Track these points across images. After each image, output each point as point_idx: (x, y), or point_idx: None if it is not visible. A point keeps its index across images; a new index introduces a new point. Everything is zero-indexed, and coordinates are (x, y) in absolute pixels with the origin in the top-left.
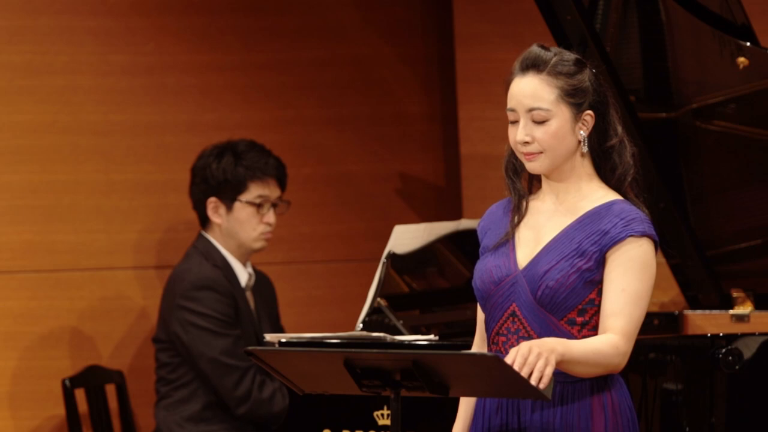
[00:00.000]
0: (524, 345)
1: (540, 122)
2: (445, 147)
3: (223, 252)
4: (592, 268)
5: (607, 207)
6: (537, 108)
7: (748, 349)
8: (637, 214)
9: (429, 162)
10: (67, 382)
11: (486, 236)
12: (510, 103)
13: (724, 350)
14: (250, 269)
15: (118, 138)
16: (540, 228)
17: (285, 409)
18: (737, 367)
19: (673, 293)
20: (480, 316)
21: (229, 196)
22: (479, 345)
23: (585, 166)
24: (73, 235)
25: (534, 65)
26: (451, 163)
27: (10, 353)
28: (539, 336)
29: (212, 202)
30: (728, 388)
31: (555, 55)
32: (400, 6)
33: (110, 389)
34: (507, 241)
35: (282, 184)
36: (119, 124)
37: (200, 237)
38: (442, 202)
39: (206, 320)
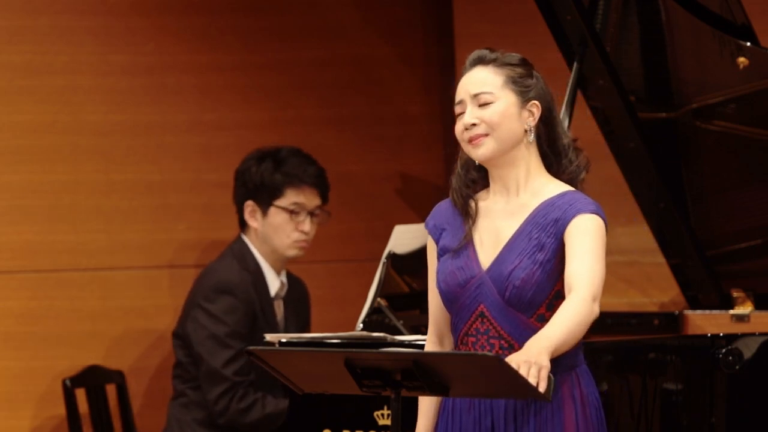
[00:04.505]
0: (511, 360)
1: (485, 105)
2: (445, 147)
3: (257, 257)
4: (551, 258)
5: (559, 197)
6: (482, 92)
7: (748, 349)
8: (587, 199)
9: (429, 162)
10: (67, 382)
11: (442, 235)
12: (457, 98)
13: (724, 350)
14: (283, 278)
15: (118, 138)
16: (496, 227)
17: (265, 416)
18: (737, 367)
19: (673, 293)
20: (434, 314)
21: (265, 201)
22: (435, 343)
23: (533, 158)
24: (73, 235)
25: (479, 61)
26: (451, 163)
27: (10, 353)
28: (510, 335)
29: (249, 205)
30: (728, 388)
31: (500, 53)
32: (400, 6)
33: (110, 389)
34: (466, 244)
35: (322, 194)
36: (119, 124)
37: (238, 239)
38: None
39: (216, 325)
